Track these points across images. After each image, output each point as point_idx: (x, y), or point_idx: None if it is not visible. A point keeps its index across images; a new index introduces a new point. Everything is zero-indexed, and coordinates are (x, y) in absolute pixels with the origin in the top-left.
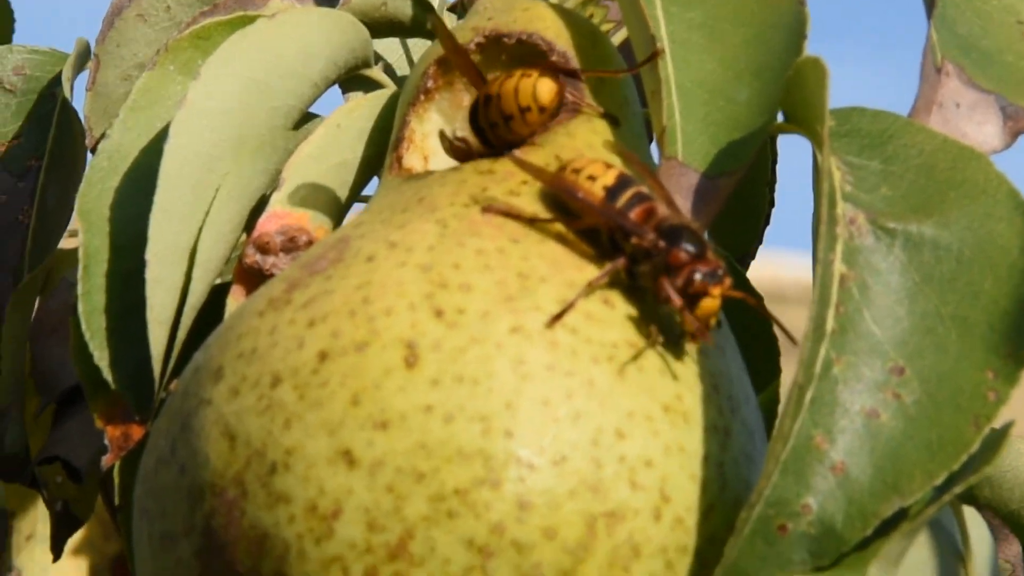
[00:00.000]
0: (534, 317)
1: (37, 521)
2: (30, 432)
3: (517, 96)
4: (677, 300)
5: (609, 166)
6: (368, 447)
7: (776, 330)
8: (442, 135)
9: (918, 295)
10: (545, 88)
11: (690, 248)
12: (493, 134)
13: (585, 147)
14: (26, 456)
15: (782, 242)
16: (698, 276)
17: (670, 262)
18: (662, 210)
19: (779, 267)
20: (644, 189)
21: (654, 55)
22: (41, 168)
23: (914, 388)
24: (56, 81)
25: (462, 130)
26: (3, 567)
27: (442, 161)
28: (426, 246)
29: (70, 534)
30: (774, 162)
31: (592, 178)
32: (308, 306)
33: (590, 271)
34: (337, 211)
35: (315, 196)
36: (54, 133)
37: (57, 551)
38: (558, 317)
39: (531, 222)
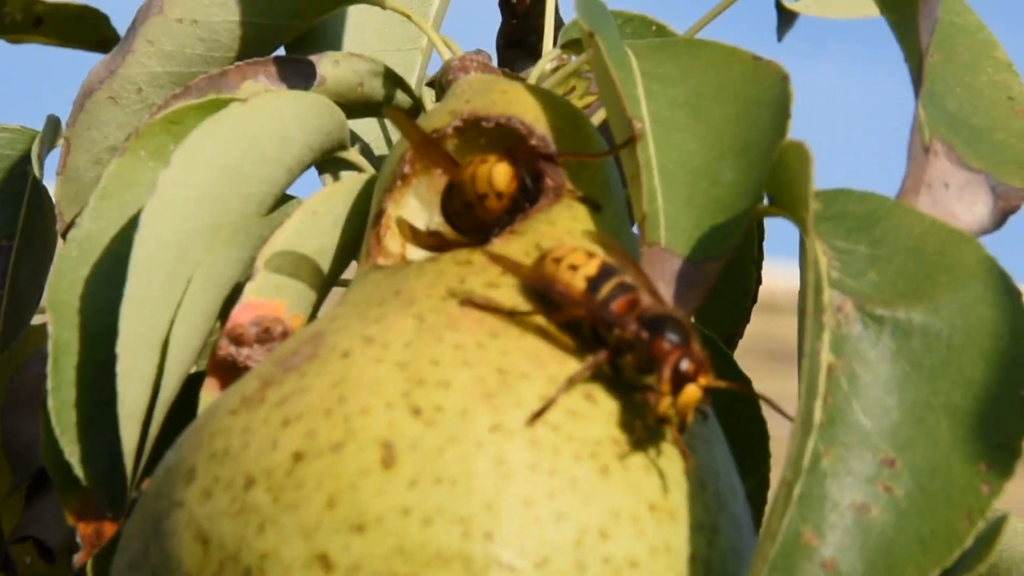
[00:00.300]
0: (515, 414)
1: None
2: (2, 511)
3: (474, 183)
4: (661, 388)
5: (591, 255)
6: (345, 551)
7: (765, 410)
8: (412, 229)
9: (908, 384)
10: (500, 173)
11: (673, 338)
12: (462, 221)
13: (566, 234)
14: (3, 545)
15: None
16: (683, 364)
17: (653, 353)
18: (645, 300)
19: (772, 276)
20: (627, 279)
21: (632, 139)
22: (12, 248)
23: (905, 481)
24: (26, 159)
25: (438, 216)
26: None
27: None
28: (403, 342)
29: None
30: (760, 240)
31: (573, 268)
32: (282, 405)
33: (572, 365)
34: (314, 299)
35: (290, 285)
36: (25, 212)
37: None
38: (539, 414)
39: (511, 315)
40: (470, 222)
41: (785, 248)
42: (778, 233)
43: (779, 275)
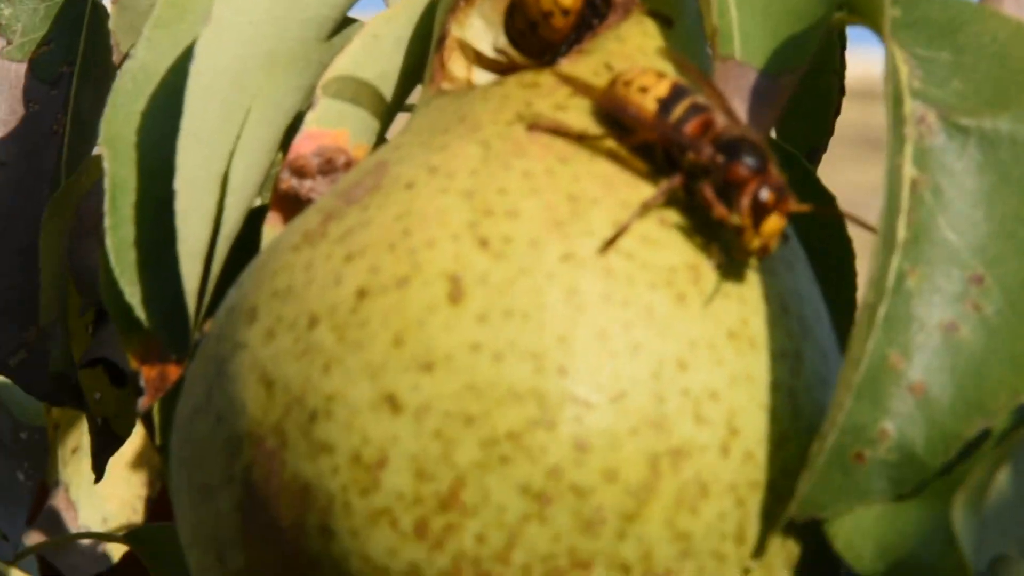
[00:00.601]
0: (587, 243)
1: (83, 434)
2: (73, 336)
3: (539, 1)
4: (739, 219)
5: (661, 75)
6: (413, 391)
7: (851, 229)
8: (470, 51)
9: (996, 196)
10: None
11: (751, 162)
12: (527, 42)
13: (636, 52)
14: (74, 377)
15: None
16: (763, 194)
17: (730, 178)
18: (720, 121)
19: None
20: (700, 99)
21: None
22: (73, 74)
23: (995, 298)
24: None
25: (503, 37)
26: (49, 481)
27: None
28: (469, 170)
29: (111, 452)
30: (843, 48)
31: (644, 90)
32: (345, 239)
33: (645, 190)
34: (378, 126)
35: (353, 112)
36: (85, 36)
37: (99, 470)
38: (611, 242)
39: (580, 139)
40: (536, 42)
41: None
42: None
43: (875, 61)
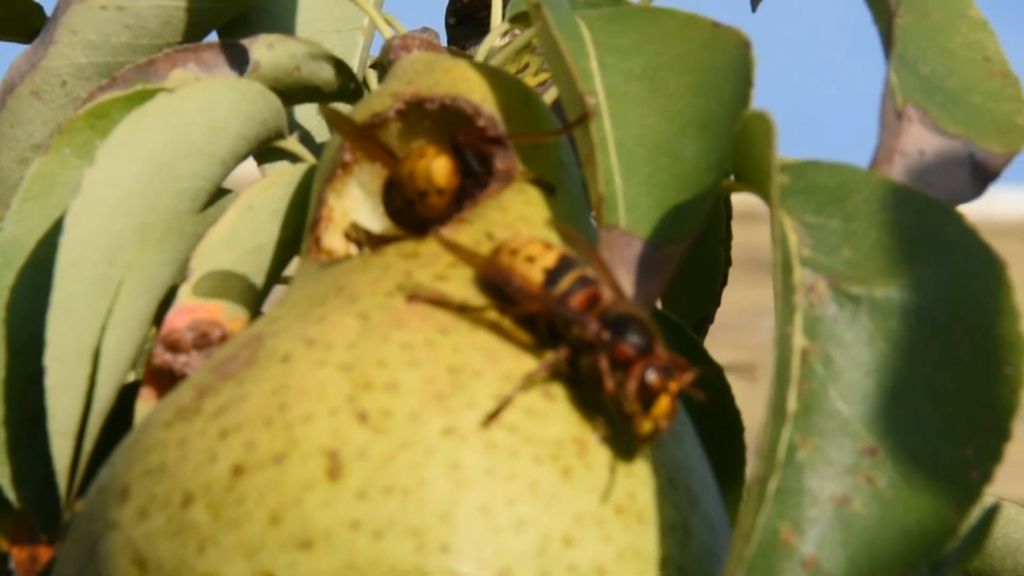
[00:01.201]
0: (468, 416)
1: None
2: None
3: (414, 180)
4: (628, 405)
5: (549, 246)
6: (291, 570)
7: (740, 399)
8: (361, 232)
9: (888, 366)
10: (438, 169)
11: (637, 341)
12: (404, 217)
13: (519, 221)
14: None
15: None
16: (649, 377)
17: (615, 357)
18: (607, 295)
19: None
20: (588, 272)
21: (585, 116)
22: None
23: (888, 470)
24: None
25: (382, 208)
26: None
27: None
28: (347, 343)
29: None
30: (728, 218)
31: (531, 259)
32: (220, 415)
33: (528, 362)
34: (253, 300)
35: (228, 285)
36: None
37: None
38: (494, 415)
39: (462, 310)
40: (414, 217)
41: None
42: None
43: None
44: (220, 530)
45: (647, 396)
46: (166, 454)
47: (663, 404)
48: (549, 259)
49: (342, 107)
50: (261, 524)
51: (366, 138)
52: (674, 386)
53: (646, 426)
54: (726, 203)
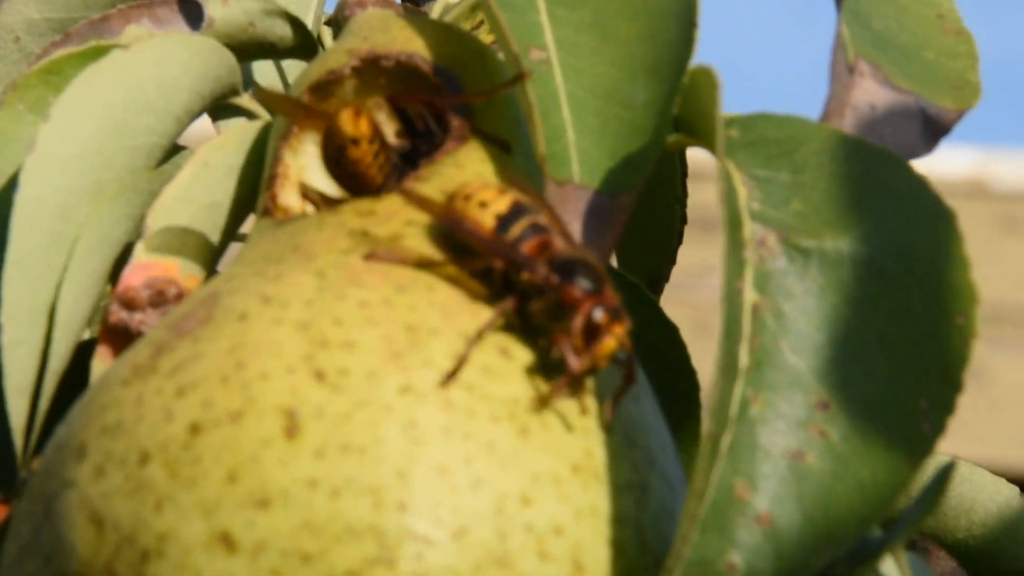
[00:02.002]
0: (425, 375)
1: None
2: None
3: (332, 138)
4: (575, 341)
5: (503, 191)
6: (248, 528)
7: (696, 358)
8: (314, 193)
9: (840, 319)
10: (344, 121)
11: (585, 284)
12: (344, 180)
13: (475, 178)
14: None
15: None
16: (596, 314)
17: (563, 299)
18: (558, 243)
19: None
20: (540, 220)
21: (520, 76)
22: None
23: (841, 423)
24: None
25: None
26: None
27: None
28: (303, 300)
29: None
30: (684, 176)
31: (483, 205)
32: (176, 373)
33: (486, 317)
34: (209, 257)
35: (184, 242)
36: None
37: None
38: (451, 375)
39: (419, 266)
40: (350, 179)
41: None
42: None
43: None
44: (177, 488)
45: (592, 333)
46: (123, 412)
47: (606, 344)
48: (502, 204)
49: (298, 65)
50: (218, 483)
51: (298, 107)
52: (619, 328)
53: (585, 362)
54: (681, 161)
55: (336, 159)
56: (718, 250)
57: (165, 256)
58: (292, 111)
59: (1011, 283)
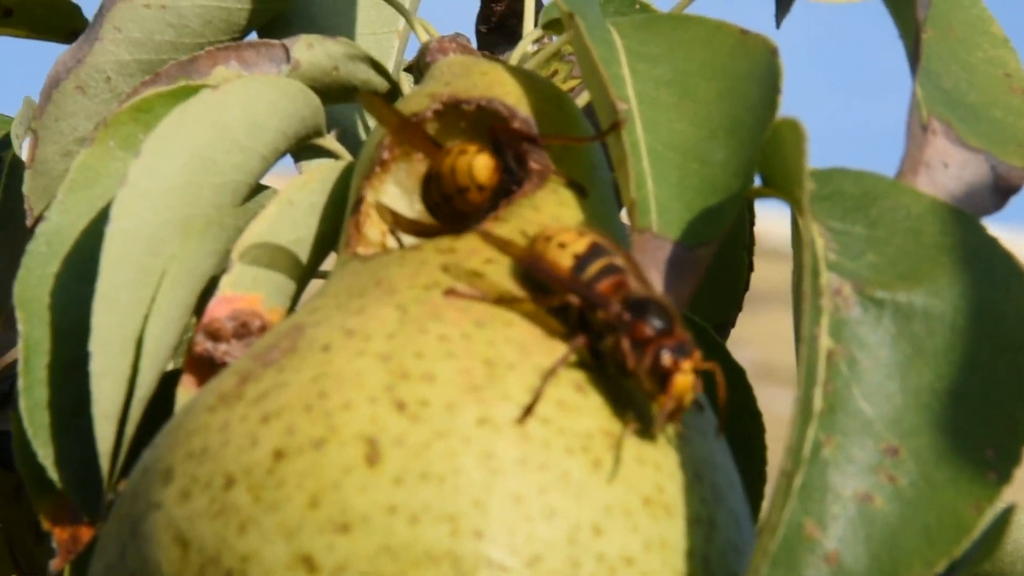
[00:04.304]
0: (502, 407)
1: None
2: None
3: (455, 176)
4: (646, 383)
5: (582, 233)
6: (329, 552)
7: (761, 402)
8: (387, 213)
9: (910, 369)
10: (481, 166)
11: (656, 323)
12: (442, 212)
13: (551, 220)
14: None
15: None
16: (665, 353)
17: (635, 336)
18: (633, 284)
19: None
20: (617, 261)
21: (617, 124)
22: None
23: (909, 469)
24: (1, 145)
25: (419, 203)
26: None
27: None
28: (385, 333)
29: None
30: (751, 224)
31: (562, 246)
32: (261, 401)
33: (561, 353)
34: (291, 292)
35: (267, 277)
36: (2, 197)
37: None
38: (529, 409)
39: (497, 303)
40: (450, 212)
41: None
42: None
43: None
44: (260, 512)
45: (661, 373)
46: (209, 438)
47: (682, 381)
48: (580, 246)
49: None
50: (300, 507)
51: (408, 127)
52: (687, 364)
53: (669, 404)
54: (750, 208)
55: (449, 195)
56: (750, 324)
57: (250, 290)
58: (399, 126)
59: None
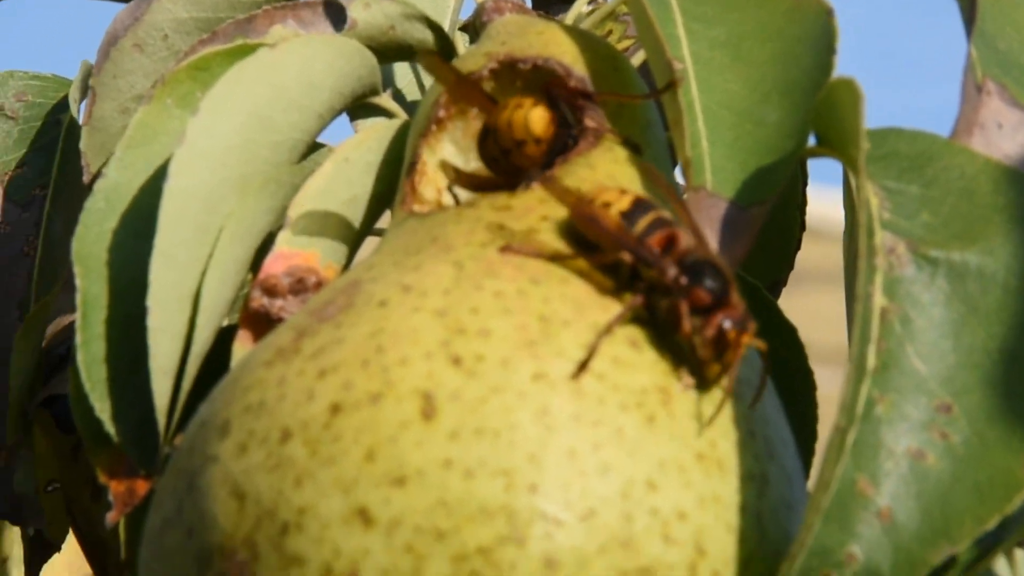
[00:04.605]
0: (558, 364)
1: (13, 543)
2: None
3: (511, 129)
4: (702, 350)
5: (624, 191)
6: (385, 505)
7: (812, 360)
8: (449, 168)
9: (964, 328)
10: (536, 118)
11: (713, 288)
12: (499, 167)
13: (607, 178)
14: (37, 499)
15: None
16: (726, 324)
17: (693, 303)
18: (685, 239)
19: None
20: (666, 214)
21: (673, 82)
22: (46, 197)
23: (962, 427)
24: (59, 107)
25: (474, 161)
26: None
27: (457, 193)
28: (441, 289)
29: (45, 558)
30: (804, 184)
31: (607, 205)
32: (318, 356)
33: (616, 310)
34: (347, 250)
35: (324, 234)
36: (59, 160)
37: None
38: (584, 364)
39: (552, 260)
40: (508, 167)
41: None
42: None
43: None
44: (317, 465)
45: (721, 345)
46: (266, 392)
47: (733, 353)
48: (624, 203)
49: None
50: (356, 461)
51: (465, 84)
52: (747, 338)
53: (716, 370)
54: (803, 168)
55: (508, 148)
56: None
57: (306, 247)
58: (456, 83)
59: None
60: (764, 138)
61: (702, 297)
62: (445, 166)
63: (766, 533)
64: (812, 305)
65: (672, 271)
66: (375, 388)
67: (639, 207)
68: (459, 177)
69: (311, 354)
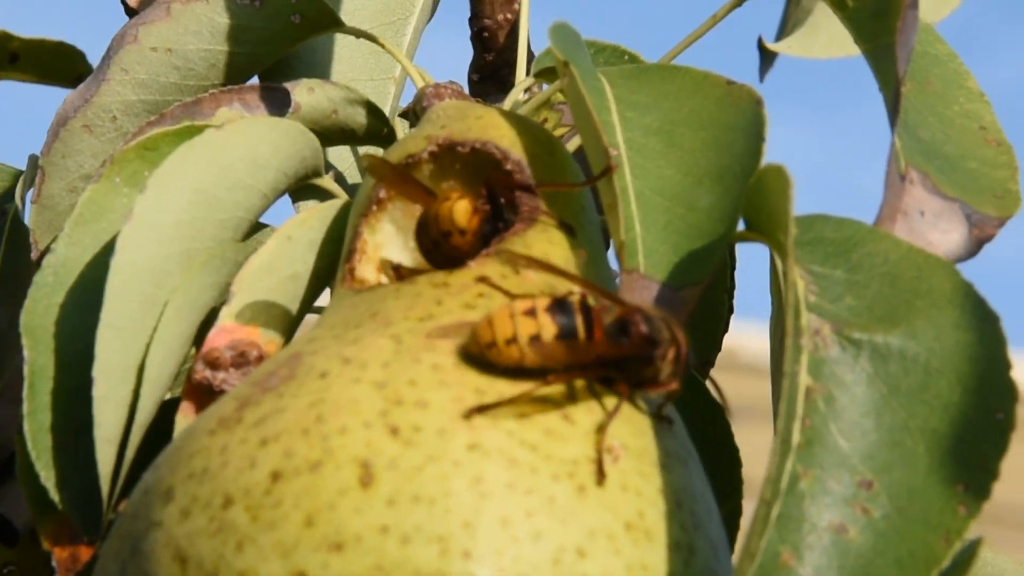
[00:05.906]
0: (492, 434)
1: None
2: None
3: (438, 222)
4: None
5: (536, 296)
6: (323, 570)
7: (737, 437)
8: (388, 267)
9: (886, 407)
10: (460, 210)
11: (652, 329)
12: (435, 256)
13: (541, 258)
14: None
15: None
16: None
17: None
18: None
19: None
20: (582, 293)
21: (609, 169)
22: None
23: (883, 503)
24: (5, 197)
25: (412, 242)
26: None
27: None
28: (381, 362)
29: None
30: (732, 268)
31: (531, 313)
32: (260, 425)
33: (551, 384)
34: (288, 325)
35: (266, 310)
36: (4, 251)
37: None
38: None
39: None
40: (441, 257)
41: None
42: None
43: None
44: (258, 530)
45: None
46: (209, 459)
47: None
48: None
49: (375, 151)
50: (296, 526)
51: (405, 179)
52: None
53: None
54: (731, 254)
55: (436, 240)
56: None
57: (248, 322)
58: (396, 181)
59: None
60: (696, 222)
61: (654, 341)
62: (385, 265)
63: None
64: (749, 440)
65: (639, 331)
66: (315, 456)
67: (561, 307)
68: (399, 273)
69: (253, 423)
